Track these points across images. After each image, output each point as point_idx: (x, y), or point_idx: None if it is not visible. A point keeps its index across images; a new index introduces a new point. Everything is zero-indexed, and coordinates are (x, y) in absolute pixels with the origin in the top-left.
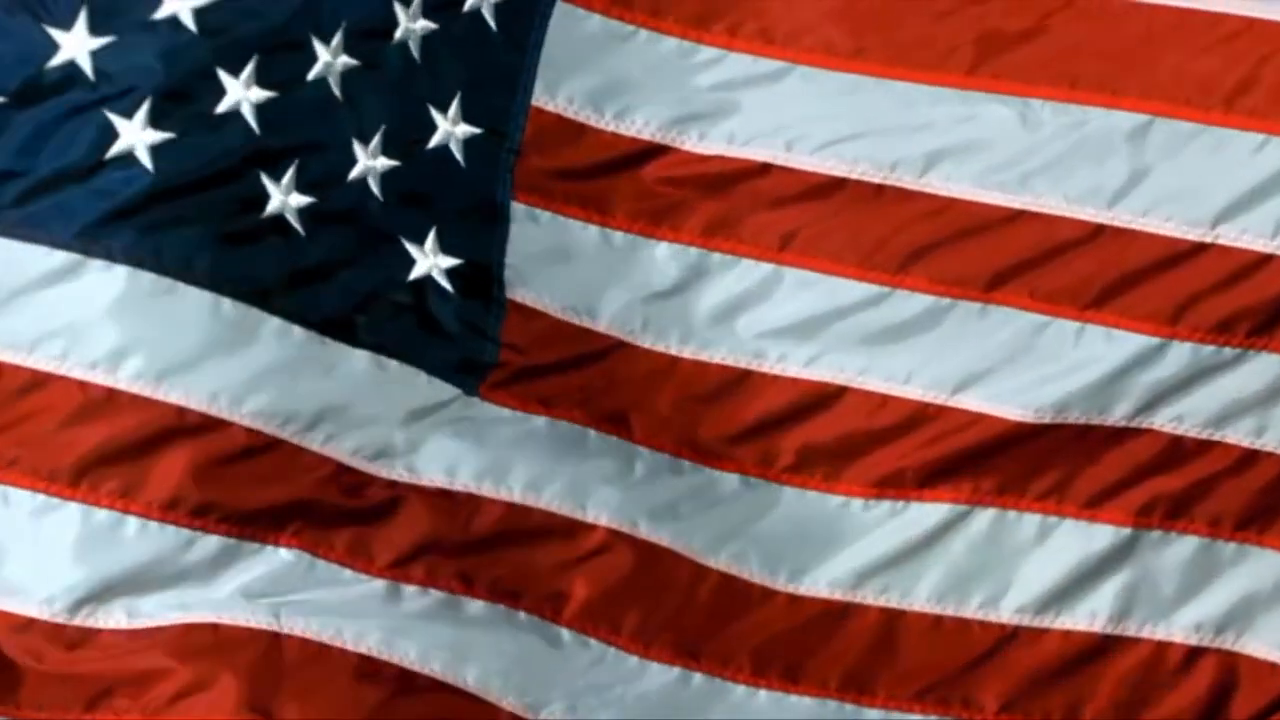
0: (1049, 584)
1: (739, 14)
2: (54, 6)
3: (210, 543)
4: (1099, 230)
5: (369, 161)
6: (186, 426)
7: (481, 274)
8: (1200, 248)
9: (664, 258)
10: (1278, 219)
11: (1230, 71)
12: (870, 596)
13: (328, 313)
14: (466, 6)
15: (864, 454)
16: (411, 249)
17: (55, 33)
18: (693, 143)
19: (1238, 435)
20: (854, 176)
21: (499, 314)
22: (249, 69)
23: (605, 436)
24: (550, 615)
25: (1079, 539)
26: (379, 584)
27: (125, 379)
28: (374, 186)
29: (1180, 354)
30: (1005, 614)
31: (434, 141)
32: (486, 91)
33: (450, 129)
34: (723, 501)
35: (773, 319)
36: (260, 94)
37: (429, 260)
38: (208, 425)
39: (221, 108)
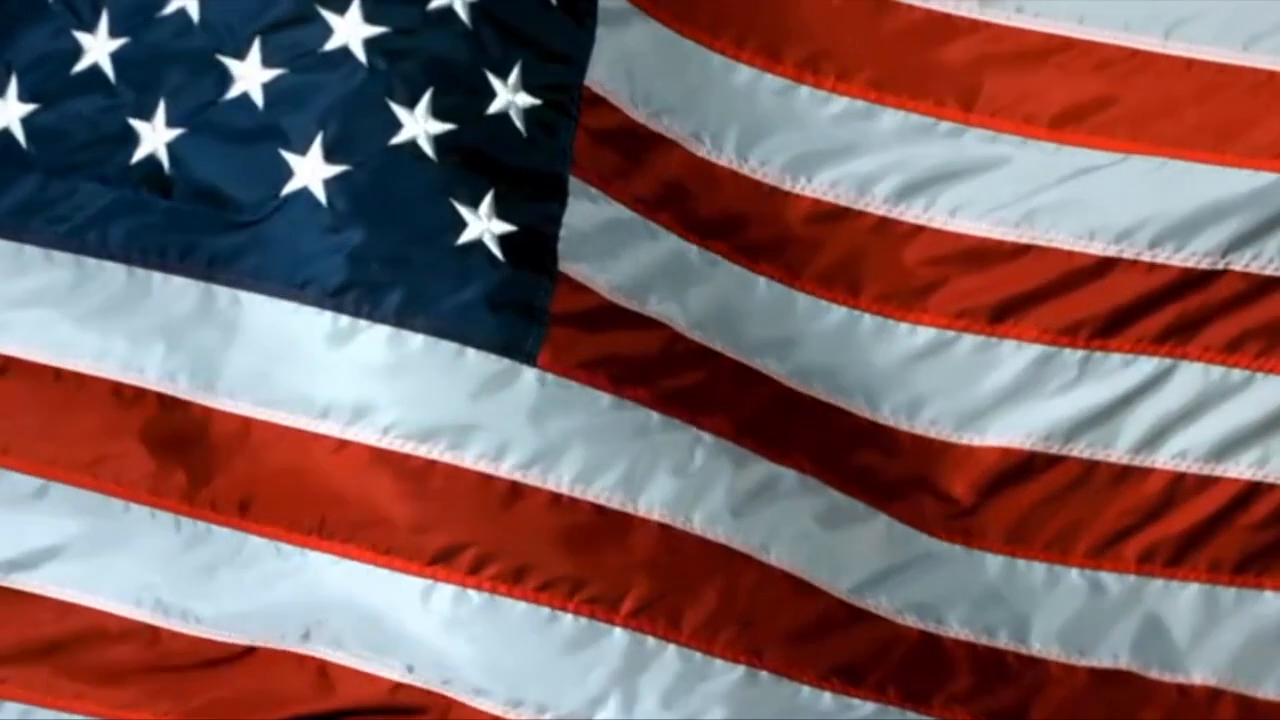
0: (1066, 627)
1: (744, 25)
2: (80, 8)
3: (229, 538)
4: (1108, 263)
5: (416, 126)
6: (193, 421)
7: (536, 242)
8: (1212, 275)
9: (698, 261)
10: None
11: (1252, 119)
12: (912, 619)
13: (346, 288)
14: None
15: (885, 495)
16: (464, 211)
17: (81, 36)
18: (705, 150)
19: (1239, 469)
20: (858, 207)
21: (549, 286)
22: (254, 51)
23: (668, 419)
24: (603, 616)
25: (1086, 587)
26: (415, 585)
27: (154, 380)
28: (426, 148)
29: (1189, 376)
30: (1034, 648)
31: (494, 108)
32: (548, 63)
33: (511, 97)
34: (781, 497)
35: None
36: (268, 73)
37: (482, 224)
38: (209, 418)
39: (231, 94)
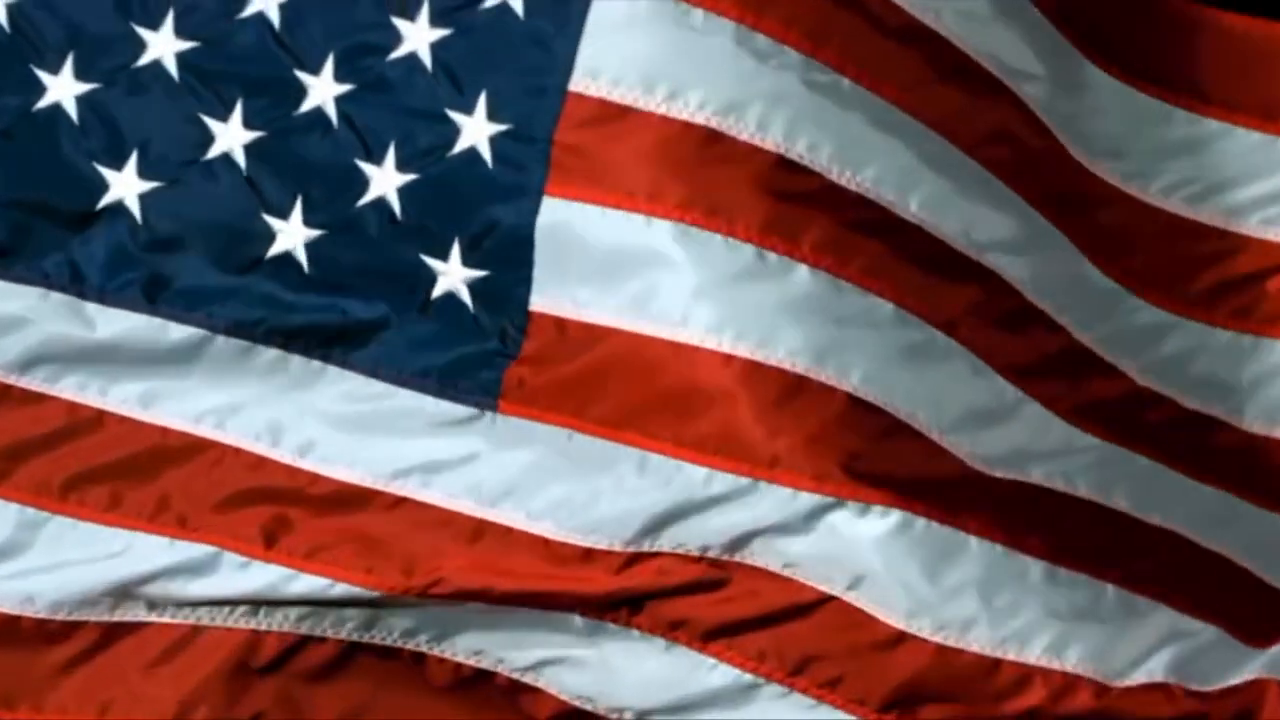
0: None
1: (792, 8)
2: (43, 48)
3: (196, 550)
4: None
5: (384, 181)
6: (170, 447)
7: (504, 284)
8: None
9: (722, 253)
10: None
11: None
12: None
13: (331, 343)
14: (489, 3)
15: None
16: (434, 264)
17: (43, 75)
18: (749, 134)
19: None
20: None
21: (520, 322)
22: (236, 112)
23: (643, 452)
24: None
25: (1122, 606)
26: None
27: (114, 403)
28: (394, 205)
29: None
30: (1069, 664)
31: (460, 146)
32: (516, 86)
33: (479, 129)
34: (790, 516)
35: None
36: (249, 135)
37: (452, 275)
38: (193, 446)
39: (211, 154)
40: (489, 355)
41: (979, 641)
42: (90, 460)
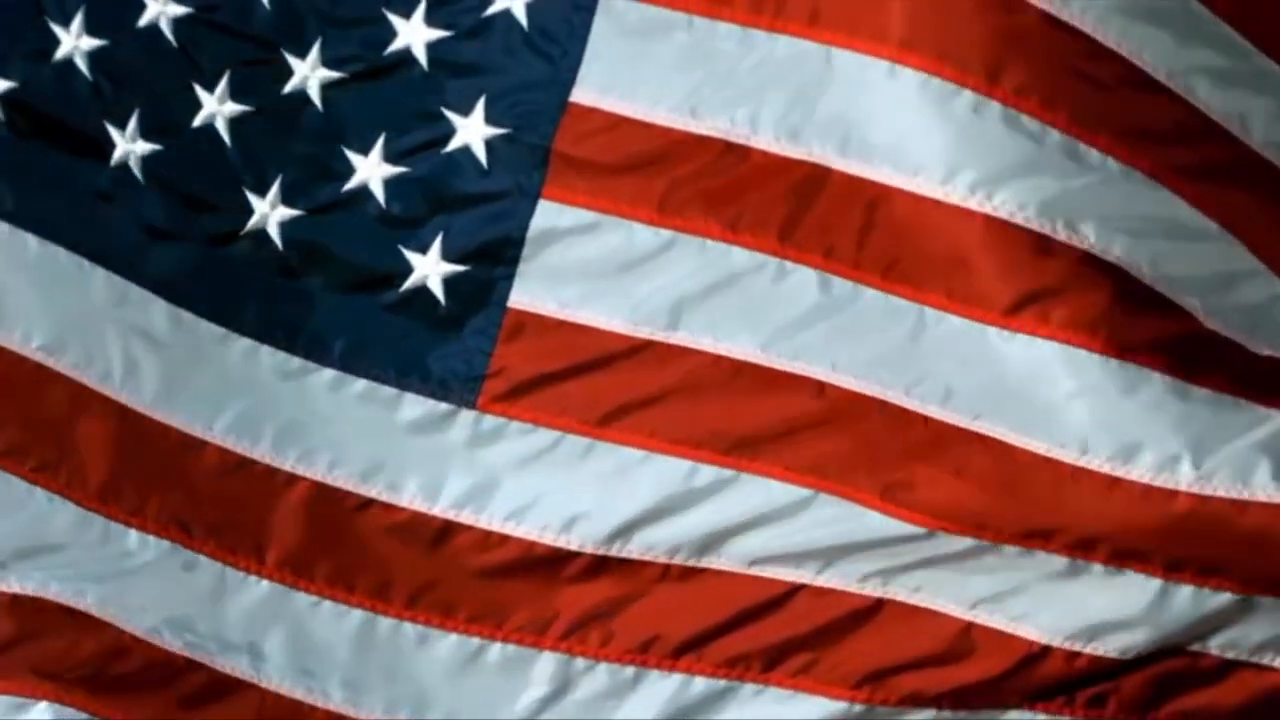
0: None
1: None
2: (55, 2)
3: (201, 562)
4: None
5: (370, 170)
6: (171, 446)
7: (485, 280)
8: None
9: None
10: None
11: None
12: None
13: (303, 333)
14: (491, 10)
15: None
16: (412, 257)
17: (56, 28)
18: (767, 141)
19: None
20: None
21: (497, 319)
22: (222, 84)
23: (621, 447)
24: (531, 642)
25: (1109, 584)
26: (355, 616)
27: (132, 399)
28: (378, 195)
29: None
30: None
31: (454, 145)
32: (518, 91)
33: (473, 131)
34: (771, 508)
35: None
36: (234, 108)
37: (429, 267)
38: (186, 444)
39: (198, 121)
40: (464, 351)
41: (952, 604)
42: (123, 457)
